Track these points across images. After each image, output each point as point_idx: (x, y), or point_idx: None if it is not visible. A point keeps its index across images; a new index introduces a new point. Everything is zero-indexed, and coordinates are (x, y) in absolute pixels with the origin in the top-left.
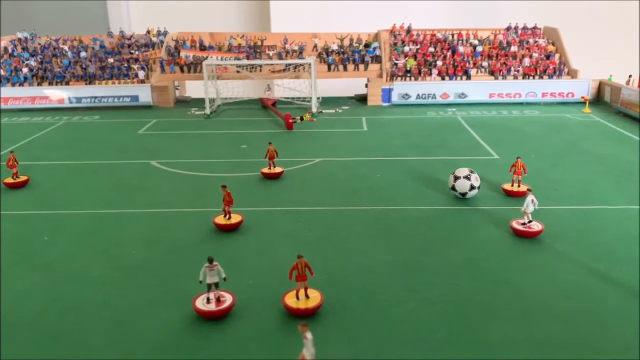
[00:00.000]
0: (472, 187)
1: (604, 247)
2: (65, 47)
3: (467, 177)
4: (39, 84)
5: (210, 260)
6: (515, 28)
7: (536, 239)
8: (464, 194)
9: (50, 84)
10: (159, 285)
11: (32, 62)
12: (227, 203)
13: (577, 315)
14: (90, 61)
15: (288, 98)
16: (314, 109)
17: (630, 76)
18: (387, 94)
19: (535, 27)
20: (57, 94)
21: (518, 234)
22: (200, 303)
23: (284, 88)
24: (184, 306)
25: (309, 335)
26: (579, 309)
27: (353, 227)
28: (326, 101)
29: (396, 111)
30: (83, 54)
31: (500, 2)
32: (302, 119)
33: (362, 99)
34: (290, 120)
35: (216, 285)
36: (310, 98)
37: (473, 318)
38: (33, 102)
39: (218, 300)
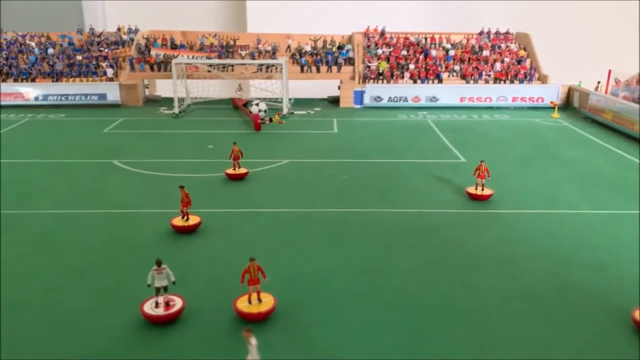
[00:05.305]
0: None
1: (564, 251)
2: (32, 44)
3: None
4: (4, 81)
5: (159, 263)
6: (488, 33)
7: (495, 240)
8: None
9: (15, 80)
10: (108, 288)
11: None
12: (185, 204)
13: (532, 317)
14: (58, 58)
15: (260, 99)
16: (285, 110)
17: (598, 82)
18: (359, 96)
19: (507, 32)
20: (22, 91)
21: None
22: (149, 307)
23: (256, 88)
24: (133, 310)
25: (253, 341)
26: (535, 312)
27: (315, 230)
28: (298, 102)
29: (368, 113)
30: (50, 50)
31: (475, 2)
32: (271, 120)
33: (334, 101)
34: (259, 121)
35: (165, 289)
36: (282, 99)
37: (426, 322)
38: None
39: (167, 305)
